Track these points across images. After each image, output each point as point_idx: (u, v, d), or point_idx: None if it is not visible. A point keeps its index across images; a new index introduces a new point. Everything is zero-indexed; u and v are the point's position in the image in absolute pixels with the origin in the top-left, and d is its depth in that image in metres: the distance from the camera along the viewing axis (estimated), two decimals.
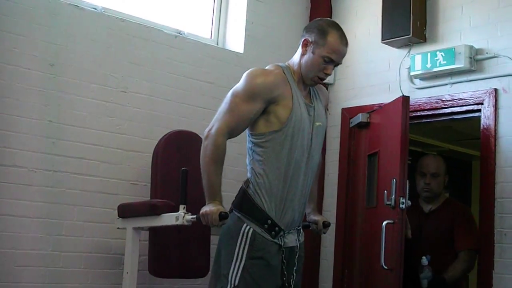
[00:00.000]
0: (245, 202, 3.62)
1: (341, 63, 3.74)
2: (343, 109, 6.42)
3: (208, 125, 3.59)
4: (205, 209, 3.51)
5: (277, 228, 3.58)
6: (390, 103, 5.44)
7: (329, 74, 3.71)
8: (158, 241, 4.73)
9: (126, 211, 4.77)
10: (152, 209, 4.46)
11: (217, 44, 6.27)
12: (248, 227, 3.55)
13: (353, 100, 6.35)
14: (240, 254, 3.54)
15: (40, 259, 4.81)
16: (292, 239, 3.70)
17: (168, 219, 4.25)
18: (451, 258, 5.15)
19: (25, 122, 4.79)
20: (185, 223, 4.05)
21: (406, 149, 5.01)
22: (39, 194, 4.84)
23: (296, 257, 3.75)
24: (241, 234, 3.55)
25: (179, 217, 4.06)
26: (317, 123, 3.74)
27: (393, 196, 4.94)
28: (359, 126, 6.08)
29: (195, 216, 3.81)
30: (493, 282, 5.07)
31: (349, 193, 6.26)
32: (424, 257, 5.01)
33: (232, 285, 3.52)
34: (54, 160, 4.92)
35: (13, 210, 4.71)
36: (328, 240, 6.32)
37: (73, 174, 5.01)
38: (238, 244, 3.55)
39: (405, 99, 5.10)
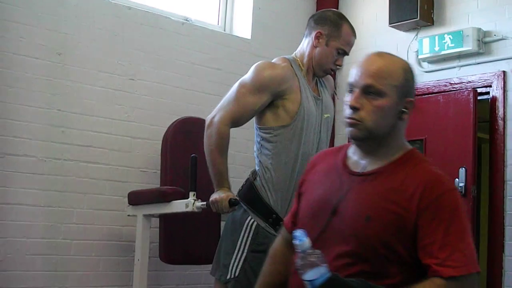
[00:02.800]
0: (251, 195, 3.61)
1: (348, 55, 3.75)
2: None
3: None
4: (215, 196, 3.52)
5: (281, 223, 3.58)
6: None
7: (341, 66, 3.72)
8: (169, 228, 4.74)
9: (136, 199, 4.79)
10: (162, 196, 4.47)
11: (224, 31, 6.26)
12: (252, 220, 3.55)
13: None
14: (242, 246, 3.54)
15: (51, 247, 4.84)
16: None
17: (178, 206, 4.27)
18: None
19: (33, 112, 4.80)
20: (195, 210, 4.06)
21: (476, 138, 5.26)
22: (49, 183, 4.85)
23: None
24: (245, 227, 3.55)
25: (189, 204, 4.08)
26: (325, 115, 3.72)
27: (463, 184, 5.14)
28: None
29: (205, 203, 3.83)
30: (503, 265, 5.08)
31: None
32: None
33: (233, 276, 3.52)
34: (64, 148, 4.93)
35: (24, 199, 4.73)
36: None
37: (82, 162, 5.02)
38: (241, 236, 3.55)
39: (474, 92, 5.28)
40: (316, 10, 6.70)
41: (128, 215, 4.87)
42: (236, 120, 3.56)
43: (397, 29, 6.01)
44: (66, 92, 4.97)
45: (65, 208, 4.92)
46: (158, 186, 4.94)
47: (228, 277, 3.54)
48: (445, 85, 5.63)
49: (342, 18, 3.70)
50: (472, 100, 5.32)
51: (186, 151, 4.52)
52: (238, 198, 3.53)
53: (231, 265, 3.54)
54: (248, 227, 3.55)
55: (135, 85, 5.34)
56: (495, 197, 5.21)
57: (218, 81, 5.81)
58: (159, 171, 5.05)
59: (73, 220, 4.95)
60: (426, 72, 5.83)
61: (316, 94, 3.70)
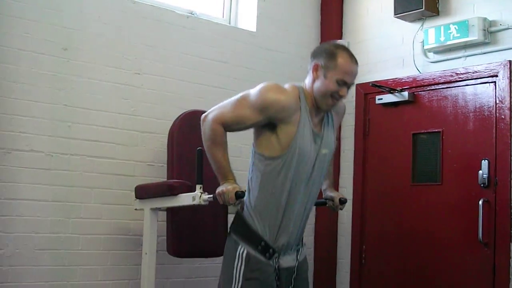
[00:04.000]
0: (239, 225, 3.63)
1: (353, 83, 3.65)
2: (357, 85, 6.39)
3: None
4: (221, 188, 3.54)
5: (271, 250, 3.57)
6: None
7: (344, 97, 3.59)
8: (176, 221, 4.75)
9: (143, 192, 4.80)
10: (169, 190, 4.48)
11: (230, 23, 6.26)
12: (242, 248, 3.56)
13: (367, 75, 6.32)
14: (237, 276, 3.56)
15: (59, 242, 4.86)
16: (288, 260, 3.67)
17: (185, 199, 4.28)
18: None
19: (40, 107, 4.81)
20: (202, 202, 4.07)
21: (497, 129, 5.32)
22: (57, 178, 4.87)
23: (294, 276, 3.73)
24: (237, 257, 3.57)
25: (196, 197, 4.09)
26: (323, 151, 3.66)
27: (487, 176, 5.25)
28: (395, 104, 6.08)
29: (211, 195, 3.84)
30: (511, 255, 5.09)
31: (366, 169, 6.27)
32: None
33: None
34: (70, 143, 4.95)
35: (31, 194, 4.75)
36: (345, 216, 6.34)
37: (89, 157, 5.04)
38: (235, 266, 3.57)
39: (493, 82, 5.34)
40: (321, 4, 6.70)
41: (136, 209, 4.89)
42: (227, 125, 3.56)
43: (402, 19, 5.99)
44: (72, 87, 4.98)
45: (73, 203, 4.94)
46: (165, 179, 4.95)
47: None
48: (451, 75, 5.61)
49: (338, 48, 3.60)
50: (493, 90, 5.35)
51: (192, 144, 4.52)
52: (244, 190, 3.54)
53: None
54: (240, 257, 3.57)
55: (141, 79, 5.35)
56: (503, 188, 5.21)
57: (223, 74, 5.81)
58: (165, 165, 5.06)
59: (81, 215, 4.97)
60: (431, 62, 5.81)
61: (318, 130, 3.64)
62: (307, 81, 3.64)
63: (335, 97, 3.56)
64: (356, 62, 3.61)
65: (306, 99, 3.59)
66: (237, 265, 3.58)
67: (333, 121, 3.77)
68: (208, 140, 3.56)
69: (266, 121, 3.51)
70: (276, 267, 3.60)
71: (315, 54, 3.64)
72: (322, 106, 3.60)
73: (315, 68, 3.57)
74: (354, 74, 3.61)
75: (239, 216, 3.66)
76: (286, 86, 3.61)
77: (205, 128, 3.57)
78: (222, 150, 3.56)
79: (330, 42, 3.81)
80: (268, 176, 3.55)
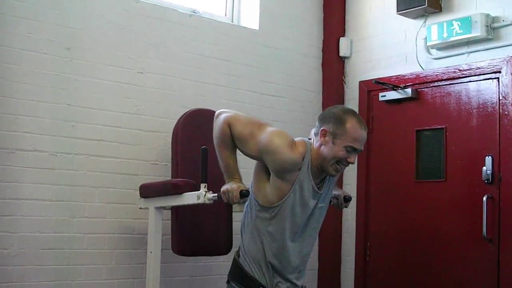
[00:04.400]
0: (237, 272, 3.65)
1: (362, 150, 3.57)
2: (361, 82, 6.40)
3: (224, 107, 3.64)
4: (226, 187, 3.55)
5: None
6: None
7: (353, 163, 3.55)
8: (181, 220, 4.75)
9: (148, 191, 4.80)
10: (173, 189, 4.48)
11: (232, 22, 6.25)
12: None
13: (370, 72, 6.33)
14: None
15: (64, 241, 4.86)
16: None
17: (190, 198, 4.27)
18: None
19: (43, 107, 4.81)
20: (207, 201, 4.06)
21: (501, 125, 5.32)
22: (61, 178, 4.87)
23: None
24: None
25: (201, 195, 4.08)
26: (320, 205, 3.67)
27: (491, 172, 5.25)
28: (398, 101, 6.07)
29: (216, 194, 3.84)
30: None
31: (370, 166, 6.27)
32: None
33: None
34: (74, 143, 4.95)
35: (36, 194, 4.75)
36: (350, 214, 6.34)
37: (93, 156, 5.04)
38: None
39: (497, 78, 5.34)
40: (324, 1, 6.69)
41: (140, 208, 4.88)
42: (233, 130, 3.55)
43: (405, 16, 5.98)
44: (76, 86, 4.98)
45: (77, 202, 4.94)
46: (169, 178, 4.95)
47: None
48: (454, 72, 5.61)
49: (347, 113, 3.54)
50: (496, 86, 5.35)
51: (196, 143, 4.53)
52: (249, 189, 3.55)
53: None
54: None
55: (144, 78, 5.35)
56: (505, 185, 5.21)
57: (226, 72, 5.82)
58: (169, 164, 5.06)
59: (85, 214, 4.97)
60: (435, 59, 5.81)
61: (318, 189, 3.61)
62: (314, 143, 3.57)
63: (343, 163, 3.52)
64: (365, 128, 3.54)
65: (312, 158, 3.54)
66: None
67: (334, 181, 3.78)
68: (217, 137, 3.59)
69: (259, 159, 3.53)
70: None
71: (323, 119, 3.57)
72: (329, 171, 3.54)
73: (323, 134, 3.50)
74: (363, 141, 3.54)
75: (236, 263, 3.68)
76: (297, 140, 3.55)
77: (216, 125, 3.60)
78: (230, 149, 3.58)
79: (338, 107, 3.72)
80: (259, 223, 3.57)
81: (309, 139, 3.65)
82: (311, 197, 3.57)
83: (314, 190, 3.58)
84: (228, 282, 3.71)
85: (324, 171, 3.55)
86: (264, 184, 3.55)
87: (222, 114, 3.59)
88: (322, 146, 3.50)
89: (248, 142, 3.51)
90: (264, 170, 3.55)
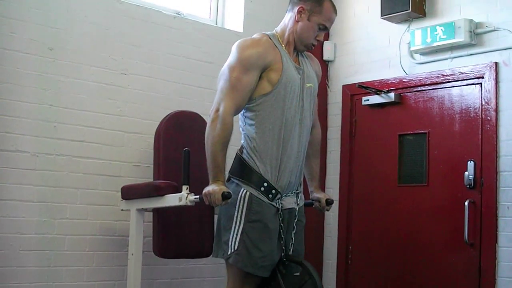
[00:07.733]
0: (241, 168, 3.69)
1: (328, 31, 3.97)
2: (344, 86, 6.41)
3: (212, 105, 3.65)
4: (208, 189, 3.55)
5: (273, 191, 3.62)
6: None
7: (321, 41, 3.95)
8: (162, 222, 4.74)
9: (129, 193, 4.78)
10: (155, 190, 4.47)
11: (216, 24, 6.25)
12: (245, 191, 3.61)
13: (354, 76, 6.34)
14: (238, 218, 3.61)
15: (45, 243, 4.83)
16: (290, 202, 3.74)
17: (171, 199, 4.27)
18: None
19: (26, 107, 4.79)
20: (188, 203, 4.07)
21: (483, 131, 5.35)
22: (42, 178, 4.85)
23: (295, 221, 3.77)
24: (238, 199, 3.63)
25: (182, 197, 4.08)
26: (308, 84, 3.82)
27: (473, 177, 5.27)
28: (381, 105, 6.08)
29: (198, 196, 3.84)
30: (496, 256, 5.11)
31: (353, 170, 6.28)
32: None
33: (233, 250, 3.59)
34: (56, 144, 4.92)
35: (17, 195, 4.72)
36: (332, 217, 6.34)
37: (75, 157, 5.02)
38: (236, 209, 3.63)
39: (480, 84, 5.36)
40: None
41: (122, 210, 4.87)
42: (239, 106, 3.65)
43: (389, 21, 6.00)
44: (58, 87, 4.96)
45: (58, 203, 4.92)
46: (151, 180, 4.93)
47: (229, 252, 3.59)
48: (438, 77, 5.63)
49: None
50: (479, 91, 5.37)
51: (179, 145, 4.53)
52: (231, 192, 3.55)
53: (230, 240, 3.61)
54: (242, 199, 3.62)
55: (127, 80, 5.33)
56: (489, 189, 5.22)
57: (210, 74, 5.79)
58: (152, 165, 5.04)
59: (67, 215, 4.95)
60: (418, 64, 5.83)
61: (297, 64, 3.83)
62: (285, 21, 3.93)
63: (313, 40, 3.87)
64: (336, 13, 3.93)
65: (279, 40, 3.83)
66: (239, 207, 3.62)
67: (310, 64, 3.98)
68: (216, 136, 3.59)
69: (260, 72, 3.68)
70: (280, 208, 3.64)
71: None
72: (301, 47, 3.88)
73: (300, 11, 3.83)
74: (333, 21, 3.94)
75: (239, 159, 3.70)
76: (254, 36, 3.87)
77: (217, 125, 3.59)
78: (224, 150, 3.62)
79: None
80: (263, 113, 3.65)
81: None
82: (296, 71, 3.78)
83: (295, 66, 3.80)
84: (229, 179, 3.74)
85: (296, 47, 3.87)
86: (259, 84, 3.70)
87: (218, 112, 3.62)
88: (298, 23, 3.84)
89: (248, 80, 3.66)
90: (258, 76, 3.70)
